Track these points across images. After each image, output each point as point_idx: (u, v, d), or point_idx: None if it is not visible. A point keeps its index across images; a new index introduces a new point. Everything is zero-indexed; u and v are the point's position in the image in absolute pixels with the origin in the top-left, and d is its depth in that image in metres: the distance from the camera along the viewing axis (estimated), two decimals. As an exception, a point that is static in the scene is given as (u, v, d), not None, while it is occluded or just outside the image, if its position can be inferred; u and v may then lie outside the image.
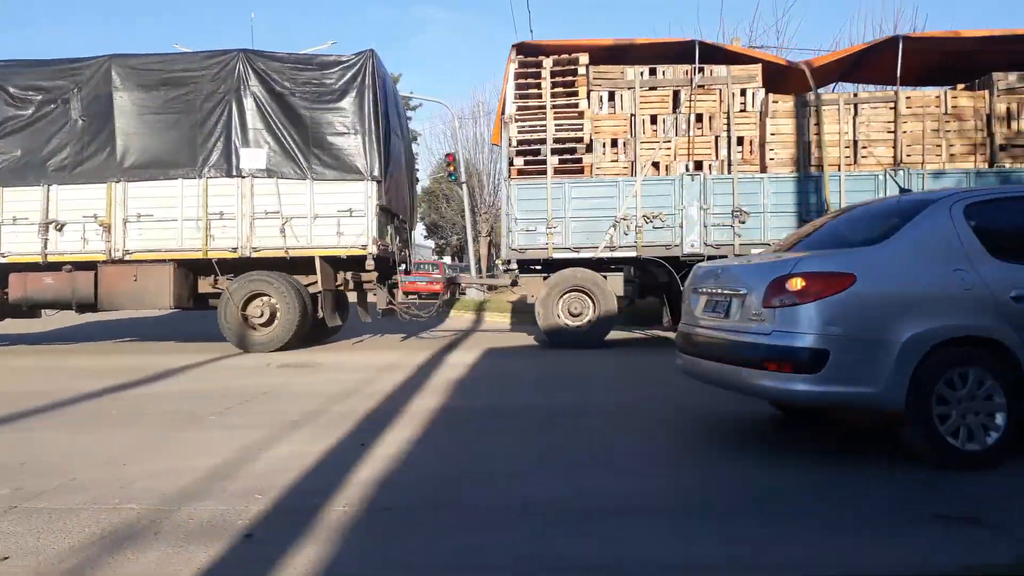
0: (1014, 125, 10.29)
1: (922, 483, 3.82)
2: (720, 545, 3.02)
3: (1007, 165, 10.15)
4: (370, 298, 12.34)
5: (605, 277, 10.62)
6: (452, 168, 22.49)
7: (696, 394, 6.45)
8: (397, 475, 4.09)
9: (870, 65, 11.43)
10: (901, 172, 10.11)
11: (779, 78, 11.00)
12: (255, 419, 5.68)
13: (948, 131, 10.35)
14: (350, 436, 5.03)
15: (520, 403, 6.36)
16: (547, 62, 10.56)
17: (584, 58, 10.57)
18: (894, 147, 10.35)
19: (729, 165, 10.41)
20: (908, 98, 10.51)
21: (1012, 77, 10.35)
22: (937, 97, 10.47)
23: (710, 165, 10.48)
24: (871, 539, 3.07)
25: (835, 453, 4.51)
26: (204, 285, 10.97)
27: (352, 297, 12.07)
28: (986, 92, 10.42)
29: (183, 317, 17.32)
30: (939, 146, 10.31)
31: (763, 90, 10.51)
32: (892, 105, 10.38)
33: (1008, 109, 10.33)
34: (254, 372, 8.51)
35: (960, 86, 11.09)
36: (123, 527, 3.32)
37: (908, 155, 10.36)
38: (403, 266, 12.36)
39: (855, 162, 10.35)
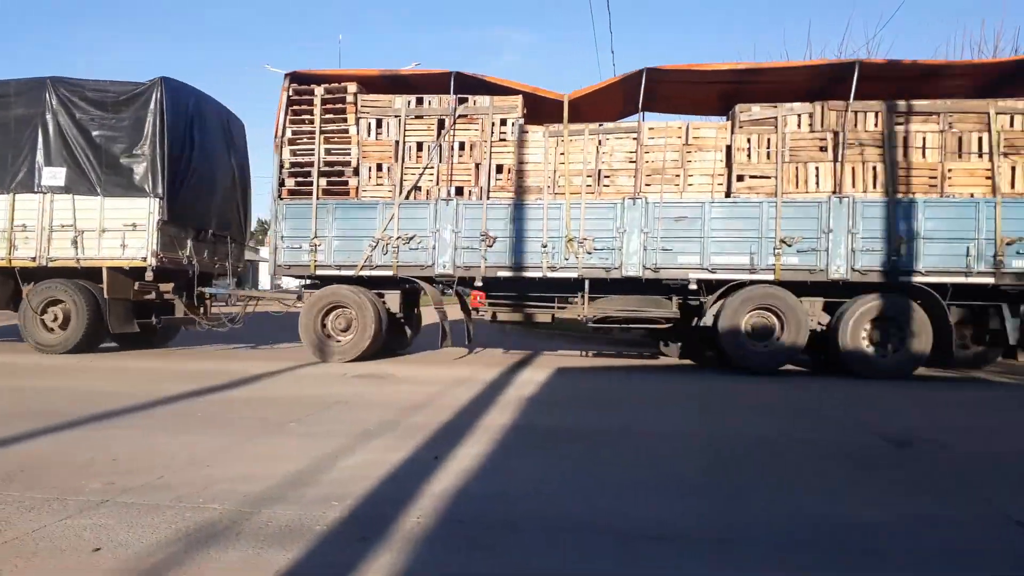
0: (754, 156, 10.32)
1: (1019, 523, 3.61)
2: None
3: (742, 196, 10.27)
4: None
5: (382, 295, 11.18)
6: None
7: (768, 423, 6.32)
8: (470, 489, 4.10)
9: (665, 96, 11.67)
10: (639, 201, 10.42)
11: (576, 108, 11.20)
12: (333, 427, 5.79)
13: (689, 162, 10.49)
14: (424, 448, 5.07)
15: (591, 424, 6.32)
16: (319, 90, 11.09)
17: (353, 87, 11.07)
18: (635, 177, 10.55)
19: (488, 191, 10.79)
20: (651, 129, 10.65)
21: (755, 109, 10.37)
22: (680, 128, 10.60)
23: (470, 191, 10.88)
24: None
25: (922, 485, 4.31)
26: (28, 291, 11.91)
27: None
28: (728, 124, 10.53)
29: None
30: (678, 176, 10.48)
31: (522, 120, 10.86)
32: (636, 136, 10.56)
33: (749, 140, 10.34)
34: (331, 382, 8.70)
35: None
36: (206, 526, 3.41)
37: (648, 184, 10.53)
38: (223, 279, 13.58)
39: (598, 191, 10.62)
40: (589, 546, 3.25)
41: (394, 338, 12.08)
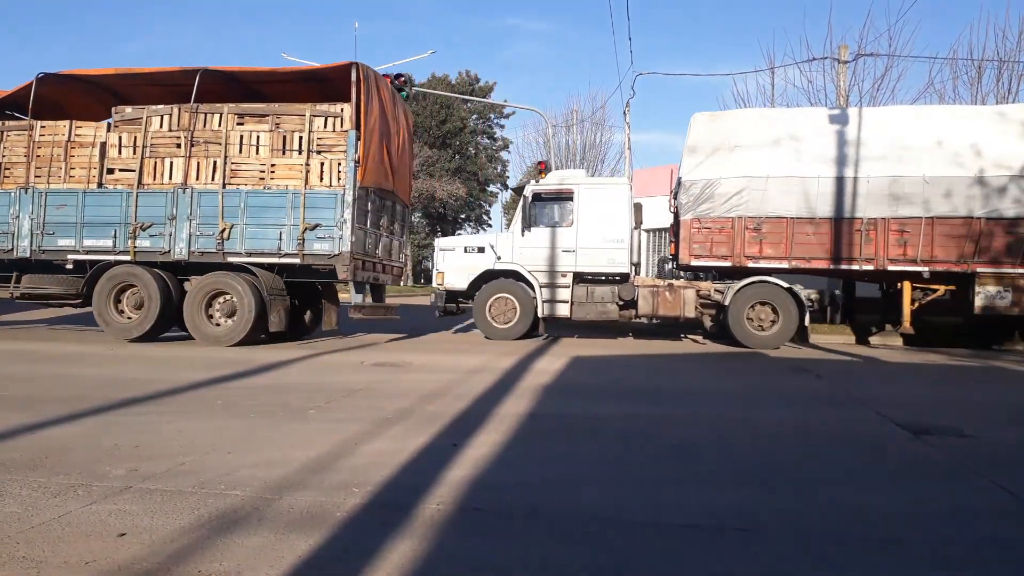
0: (125, 152, 11.61)
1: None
2: (801, 570, 2.93)
3: (111, 187, 11.62)
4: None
5: None
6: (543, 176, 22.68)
7: (802, 411, 6.30)
8: (488, 477, 4.12)
9: (134, 95, 12.72)
10: (31, 190, 11.74)
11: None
12: (351, 414, 5.83)
13: (72, 156, 11.73)
14: (442, 435, 5.09)
15: (608, 412, 6.32)
16: None
17: None
18: (28, 169, 11.80)
19: None
20: (43, 127, 11.89)
21: (128, 110, 11.74)
22: (65, 126, 11.84)
23: None
24: None
25: (985, 478, 4.28)
26: None
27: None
28: (106, 123, 12.01)
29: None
30: (61, 168, 11.74)
31: None
32: (30, 132, 11.85)
33: (121, 138, 11.64)
34: (349, 369, 8.77)
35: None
36: (229, 512, 3.44)
37: (39, 176, 11.77)
38: None
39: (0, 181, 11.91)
40: (609, 535, 3.25)
41: None
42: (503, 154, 63.45)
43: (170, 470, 4.10)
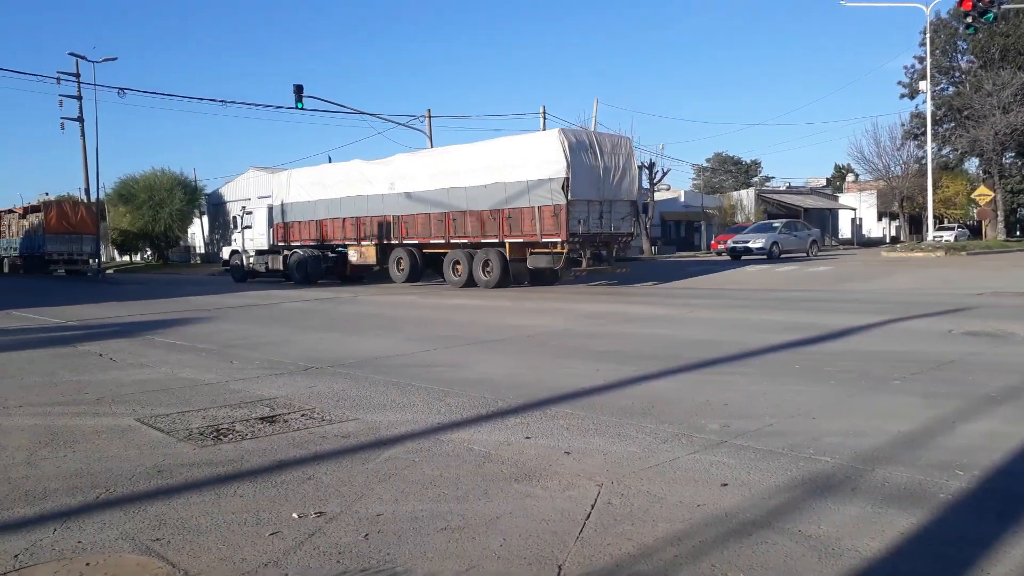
0: None
1: None
2: None
3: None
4: None
5: None
6: None
7: None
8: None
9: None
10: None
11: None
12: (943, 388, 5.32)
13: None
14: (1066, 421, 4.27)
15: None
16: None
17: None
18: None
19: None
20: None
21: None
22: None
23: None
24: None
25: None
26: None
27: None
28: None
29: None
30: None
31: None
32: None
33: None
34: (934, 338, 7.99)
35: None
36: (820, 477, 3.47)
37: None
38: None
39: None
40: None
41: None
42: None
43: (759, 429, 4.34)
